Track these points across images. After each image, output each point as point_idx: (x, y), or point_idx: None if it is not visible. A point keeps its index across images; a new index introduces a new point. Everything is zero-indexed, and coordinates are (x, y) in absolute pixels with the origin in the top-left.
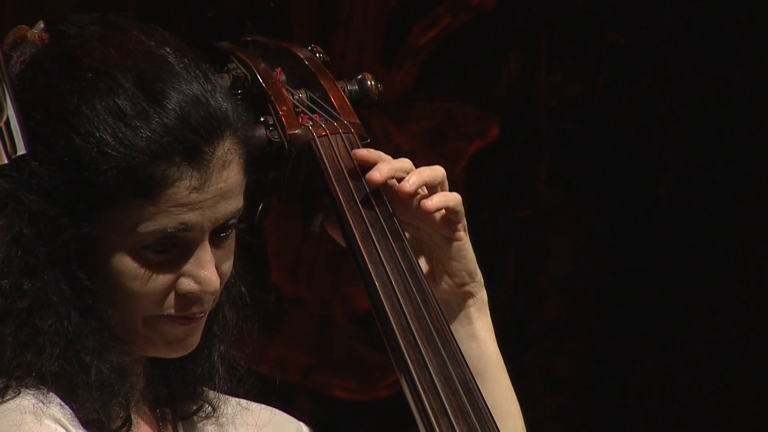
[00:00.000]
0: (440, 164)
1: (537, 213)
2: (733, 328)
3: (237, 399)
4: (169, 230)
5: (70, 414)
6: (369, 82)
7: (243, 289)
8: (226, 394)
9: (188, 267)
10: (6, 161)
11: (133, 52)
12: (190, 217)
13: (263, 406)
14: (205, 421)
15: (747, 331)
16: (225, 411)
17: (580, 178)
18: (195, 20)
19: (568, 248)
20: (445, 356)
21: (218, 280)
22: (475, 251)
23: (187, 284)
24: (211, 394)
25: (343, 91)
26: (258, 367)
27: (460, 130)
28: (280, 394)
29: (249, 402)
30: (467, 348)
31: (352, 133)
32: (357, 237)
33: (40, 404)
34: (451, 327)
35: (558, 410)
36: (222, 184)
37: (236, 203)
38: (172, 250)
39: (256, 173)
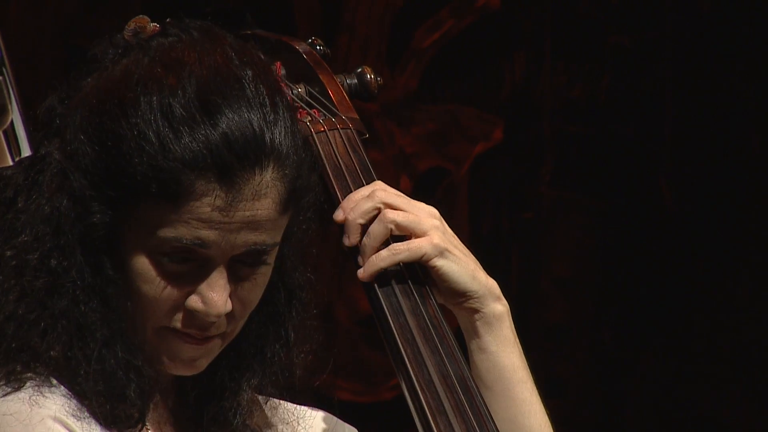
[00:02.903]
0: (444, 166)
1: (540, 215)
2: (735, 331)
3: (286, 403)
4: (185, 242)
5: (76, 406)
6: (368, 76)
7: (290, 328)
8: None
9: (200, 285)
10: (10, 162)
11: (212, 63)
12: (208, 234)
13: (315, 410)
14: None
15: (749, 334)
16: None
17: (583, 180)
18: (194, 13)
19: (570, 250)
20: (442, 354)
21: (226, 306)
22: (477, 253)
23: (194, 302)
24: (266, 402)
25: (342, 85)
26: None
27: (463, 132)
28: (284, 396)
29: (299, 407)
30: (477, 360)
31: (350, 128)
32: None
33: (40, 398)
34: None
35: (560, 412)
36: (249, 212)
37: (264, 238)
38: (189, 264)
39: None
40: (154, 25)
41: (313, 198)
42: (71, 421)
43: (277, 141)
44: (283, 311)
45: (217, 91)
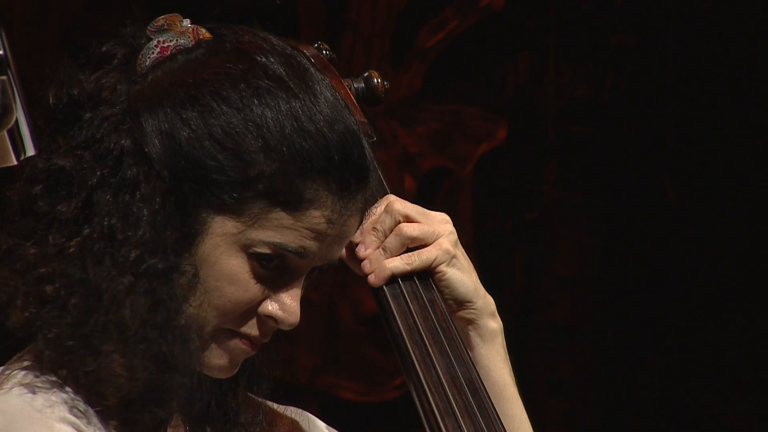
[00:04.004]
0: (448, 165)
1: (544, 215)
2: (740, 330)
3: (267, 402)
4: (289, 249)
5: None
6: (376, 80)
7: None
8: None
9: (278, 291)
10: (15, 162)
11: (304, 70)
12: (311, 245)
13: (291, 408)
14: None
15: (754, 333)
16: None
17: (587, 180)
18: (201, 17)
19: (574, 250)
20: (451, 355)
21: (299, 314)
22: (481, 253)
23: (272, 308)
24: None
25: (350, 89)
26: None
27: (467, 131)
28: (287, 395)
29: (278, 405)
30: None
31: None
32: None
33: (51, 401)
34: None
35: (562, 412)
36: (345, 227)
37: (341, 251)
38: (274, 270)
39: None
40: (186, 25)
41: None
42: (82, 423)
43: (372, 162)
44: None
45: (323, 98)
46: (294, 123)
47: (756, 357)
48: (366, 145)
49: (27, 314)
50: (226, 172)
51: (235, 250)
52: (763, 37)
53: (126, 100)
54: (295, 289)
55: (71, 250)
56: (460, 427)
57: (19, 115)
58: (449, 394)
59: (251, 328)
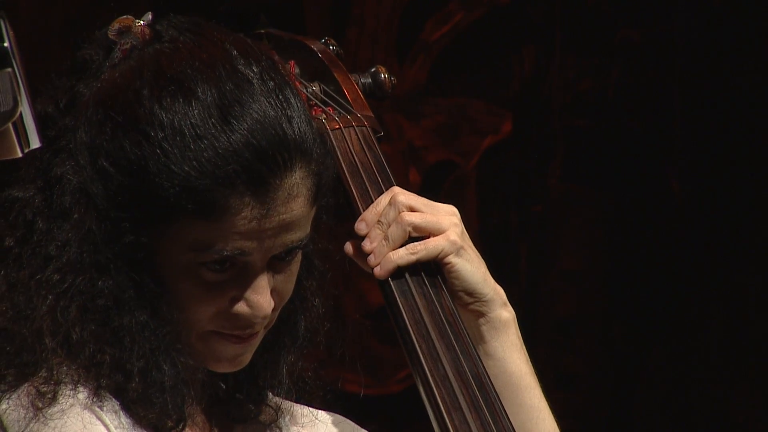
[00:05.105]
0: (453, 159)
1: (549, 208)
2: (745, 324)
3: (305, 407)
4: (226, 253)
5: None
6: (383, 75)
7: (317, 301)
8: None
9: (242, 290)
10: (20, 154)
11: (218, 67)
12: (248, 244)
13: (332, 414)
14: (261, 426)
15: (759, 327)
16: (287, 418)
17: (592, 173)
18: (208, 13)
19: (580, 244)
20: (458, 350)
21: (270, 306)
22: (486, 246)
23: (239, 306)
24: (277, 400)
25: (357, 84)
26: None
27: (473, 125)
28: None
29: (317, 411)
30: (485, 366)
31: (365, 126)
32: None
33: (93, 404)
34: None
35: (568, 406)
36: (285, 215)
37: (300, 234)
38: (230, 271)
39: None
40: (139, 24)
41: (331, 179)
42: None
43: (298, 136)
44: (306, 284)
45: (233, 99)
46: (194, 135)
47: (763, 350)
48: (290, 125)
49: None
50: (139, 195)
51: (182, 265)
52: None
53: (75, 120)
54: (258, 284)
55: (20, 282)
56: (466, 421)
57: (24, 107)
58: (455, 388)
59: (233, 327)
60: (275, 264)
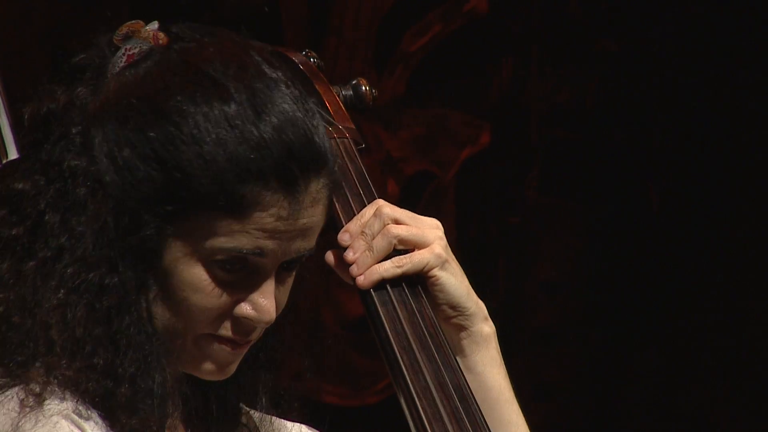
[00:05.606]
0: (431, 170)
1: (527, 219)
2: (724, 334)
3: (283, 421)
4: (245, 251)
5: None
6: (364, 87)
7: (296, 315)
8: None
9: (250, 292)
10: None
11: (247, 67)
12: (268, 244)
13: (297, 425)
14: None
15: (737, 338)
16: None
17: (570, 185)
18: (189, 23)
19: (558, 255)
20: (439, 361)
21: (275, 311)
22: (465, 257)
23: (245, 309)
24: (256, 415)
25: (338, 96)
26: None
27: (451, 136)
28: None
29: (293, 424)
30: (466, 379)
31: (347, 138)
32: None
33: (74, 413)
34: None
35: (547, 417)
36: (306, 220)
37: (311, 243)
38: (240, 272)
39: None
40: (149, 29)
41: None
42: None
43: (324, 146)
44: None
45: (266, 98)
46: (227, 128)
47: (741, 362)
48: (317, 132)
49: None
50: (167, 187)
51: (195, 260)
52: (748, 42)
53: (84, 116)
54: (266, 288)
55: (28, 273)
56: None
57: (2, 118)
58: (437, 399)
59: (229, 331)
60: (280, 273)
